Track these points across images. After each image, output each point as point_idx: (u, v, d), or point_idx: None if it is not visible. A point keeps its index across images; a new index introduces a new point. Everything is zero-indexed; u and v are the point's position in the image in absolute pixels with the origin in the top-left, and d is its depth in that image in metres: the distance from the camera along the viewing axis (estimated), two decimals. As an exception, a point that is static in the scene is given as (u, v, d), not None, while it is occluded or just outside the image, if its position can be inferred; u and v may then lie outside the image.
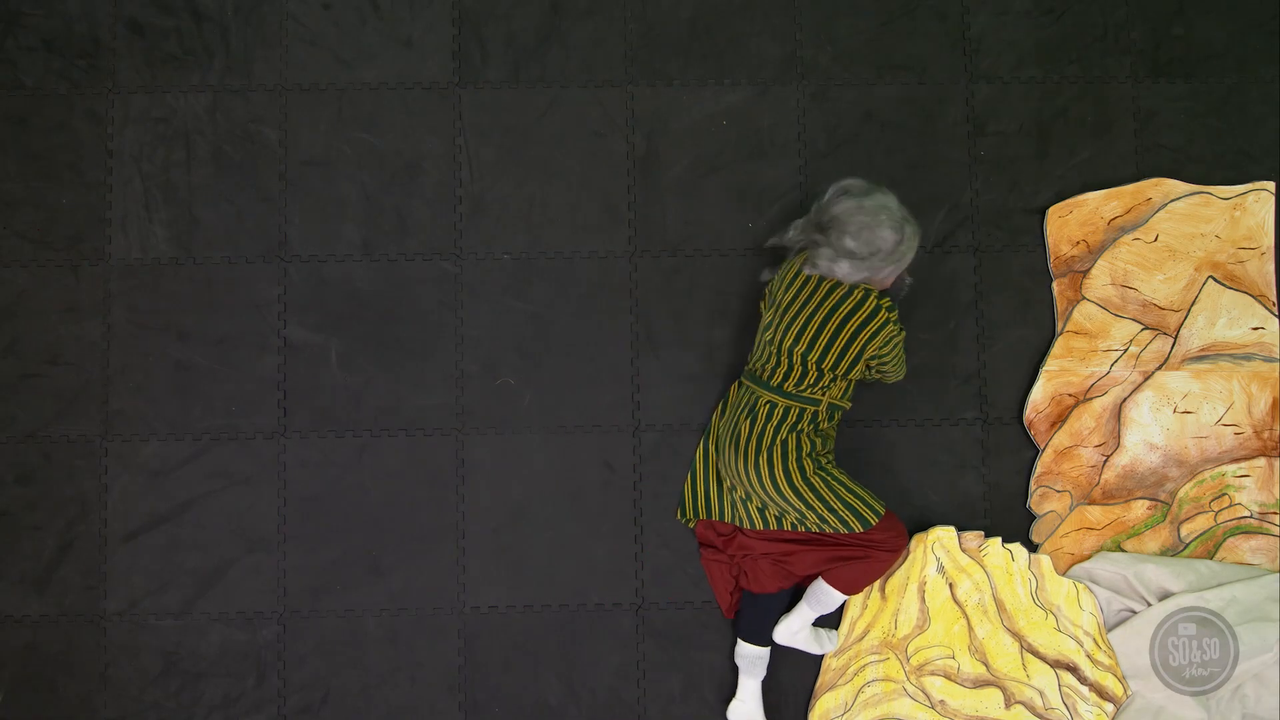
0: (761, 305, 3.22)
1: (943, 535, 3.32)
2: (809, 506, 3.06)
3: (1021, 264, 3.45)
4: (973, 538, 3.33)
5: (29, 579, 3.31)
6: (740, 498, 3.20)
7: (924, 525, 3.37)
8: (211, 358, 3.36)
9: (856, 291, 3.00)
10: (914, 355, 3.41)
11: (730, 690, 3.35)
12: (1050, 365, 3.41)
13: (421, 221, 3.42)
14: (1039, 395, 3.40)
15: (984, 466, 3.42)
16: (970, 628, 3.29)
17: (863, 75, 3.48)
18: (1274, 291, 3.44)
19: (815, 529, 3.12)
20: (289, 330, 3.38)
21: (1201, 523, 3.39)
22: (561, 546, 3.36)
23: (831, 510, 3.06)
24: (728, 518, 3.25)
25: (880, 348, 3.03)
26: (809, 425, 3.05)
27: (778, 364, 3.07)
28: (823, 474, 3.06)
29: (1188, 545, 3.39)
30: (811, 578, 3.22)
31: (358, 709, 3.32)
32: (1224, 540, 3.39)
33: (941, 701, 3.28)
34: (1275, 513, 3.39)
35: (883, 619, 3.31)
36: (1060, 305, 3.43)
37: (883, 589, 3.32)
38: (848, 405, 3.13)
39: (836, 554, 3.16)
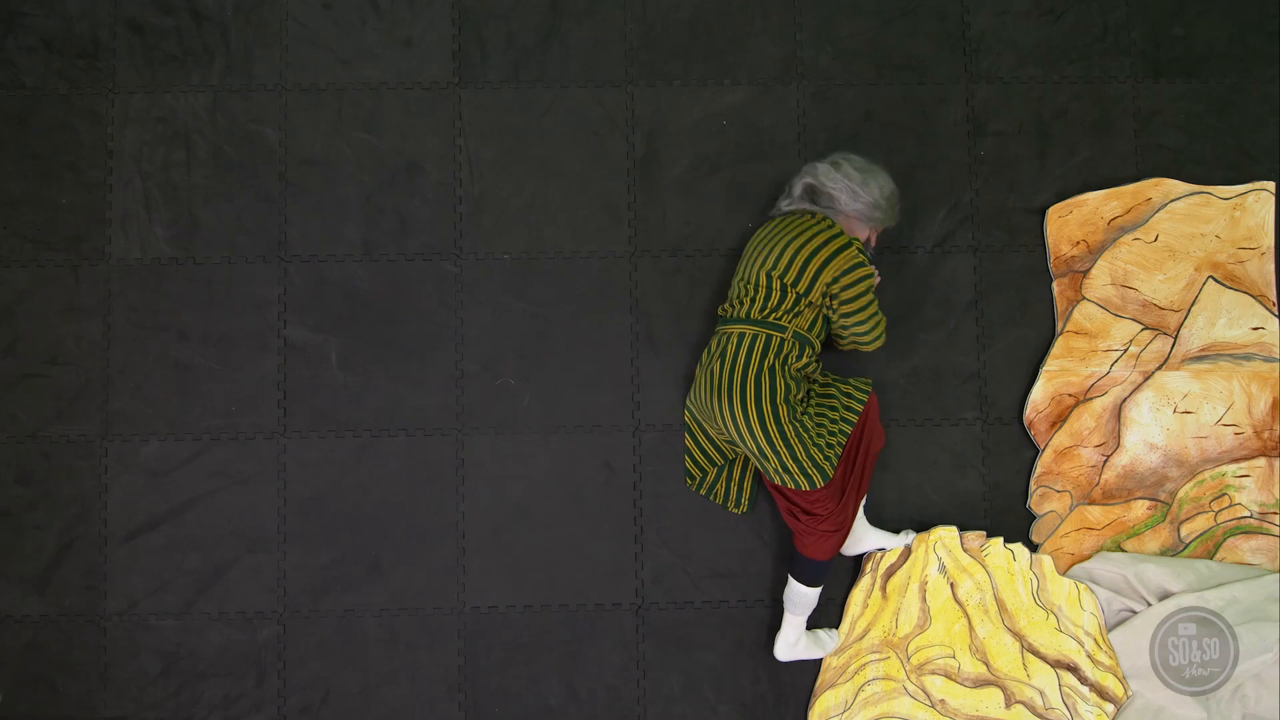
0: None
1: (945, 535, 3.32)
2: (774, 451, 3.02)
3: (1021, 264, 3.46)
4: (974, 538, 3.33)
5: (29, 579, 3.31)
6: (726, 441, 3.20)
7: (924, 525, 3.37)
8: (211, 358, 3.36)
9: (826, 220, 3.12)
10: (914, 355, 3.41)
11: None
12: (1050, 365, 3.41)
13: (421, 221, 3.42)
14: (1039, 395, 3.41)
15: (984, 466, 3.42)
16: (971, 627, 3.29)
17: (863, 75, 3.48)
18: (1274, 291, 3.44)
19: (773, 478, 3.08)
20: (289, 330, 3.38)
21: (1201, 523, 3.39)
22: (561, 546, 3.36)
23: (795, 460, 3.02)
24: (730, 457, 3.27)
25: (840, 274, 3.04)
26: (779, 360, 3.03)
27: (744, 294, 3.12)
28: (796, 423, 3.01)
29: (1188, 545, 3.39)
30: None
31: (358, 709, 3.32)
32: (1224, 540, 3.39)
33: (942, 701, 3.28)
34: (1275, 513, 3.39)
35: (883, 618, 3.31)
36: (1060, 305, 3.43)
37: (883, 588, 3.32)
38: (816, 344, 3.10)
39: (785, 508, 3.15)
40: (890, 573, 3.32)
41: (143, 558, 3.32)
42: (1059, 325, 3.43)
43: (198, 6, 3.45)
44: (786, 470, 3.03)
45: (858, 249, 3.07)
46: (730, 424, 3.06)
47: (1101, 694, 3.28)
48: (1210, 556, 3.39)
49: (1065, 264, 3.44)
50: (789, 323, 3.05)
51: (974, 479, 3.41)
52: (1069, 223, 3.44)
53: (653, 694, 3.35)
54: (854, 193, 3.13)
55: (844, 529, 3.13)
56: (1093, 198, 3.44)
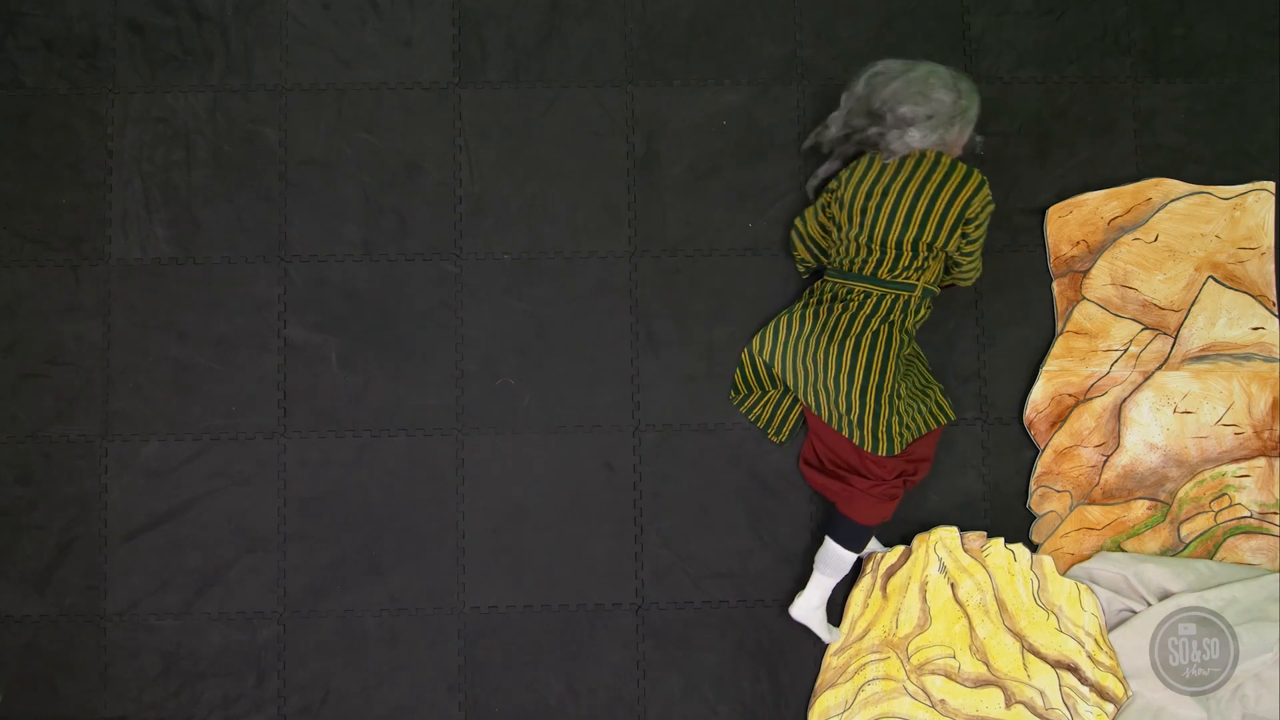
0: (822, 217, 3.24)
1: (945, 535, 3.32)
2: (862, 405, 3.05)
3: (1021, 264, 3.46)
4: (975, 538, 3.33)
5: (29, 579, 3.31)
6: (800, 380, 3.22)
7: (925, 525, 3.37)
8: (211, 358, 3.36)
9: (942, 160, 3.04)
10: (914, 355, 3.42)
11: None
12: (1050, 365, 3.41)
13: (421, 221, 3.42)
14: (1039, 395, 3.41)
15: (984, 466, 3.42)
16: (971, 627, 3.29)
17: (863, 75, 3.47)
18: (1274, 291, 3.44)
19: (845, 430, 3.10)
20: (289, 330, 3.38)
21: (1201, 523, 3.39)
22: (561, 546, 3.36)
23: (874, 421, 3.06)
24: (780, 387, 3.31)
25: (977, 214, 3.04)
26: (900, 315, 3.07)
27: (869, 255, 3.08)
28: (894, 388, 3.05)
29: (1188, 545, 3.39)
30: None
31: (358, 709, 3.32)
32: (1224, 540, 3.39)
33: (942, 701, 3.28)
34: (1275, 513, 3.39)
35: (884, 618, 3.31)
36: (1060, 305, 3.43)
37: (884, 588, 3.32)
38: (937, 290, 3.14)
39: (838, 463, 3.17)
40: (891, 573, 3.32)
41: (143, 558, 3.32)
42: (1059, 325, 3.43)
43: (198, 6, 3.45)
44: (861, 427, 3.06)
45: (975, 170, 3.06)
46: (827, 366, 3.07)
47: (1102, 694, 3.28)
48: (1210, 556, 3.39)
49: (1065, 264, 3.44)
50: (918, 280, 3.08)
51: (974, 479, 3.41)
52: (1069, 223, 3.44)
53: (653, 694, 3.35)
54: (953, 112, 3.05)
55: (896, 499, 3.16)
56: (1093, 198, 3.44)
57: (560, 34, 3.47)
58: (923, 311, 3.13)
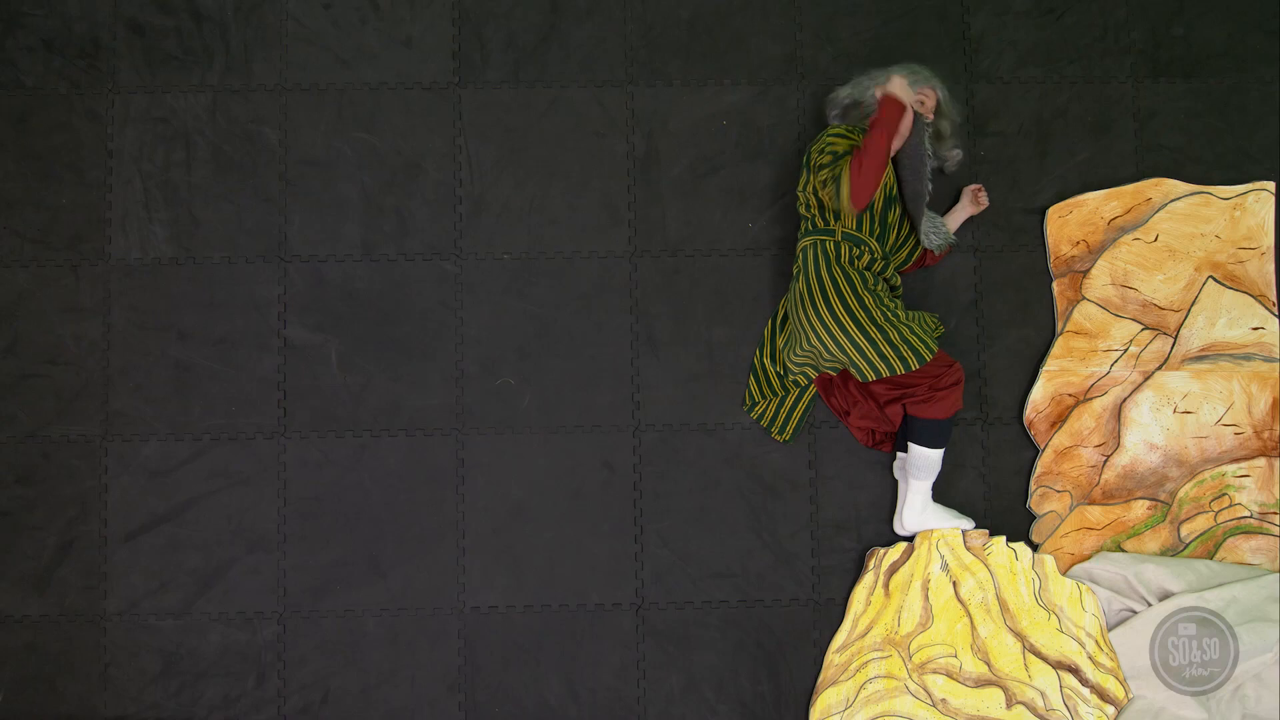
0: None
1: (948, 533, 3.32)
2: (869, 340, 3.08)
3: (1021, 264, 3.46)
4: (977, 536, 3.33)
5: (29, 579, 3.31)
6: (799, 367, 3.28)
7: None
8: (211, 358, 3.36)
9: (829, 127, 3.26)
10: (914, 355, 3.41)
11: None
12: (1050, 365, 3.41)
13: (421, 221, 3.42)
14: (1039, 395, 3.41)
15: (984, 466, 3.42)
16: (973, 627, 3.29)
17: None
18: (1274, 291, 3.44)
19: (877, 370, 3.11)
20: (289, 330, 3.38)
21: (1201, 523, 3.39)
22: (561, 546, 3.36)
23: (890, 344, 3.08)
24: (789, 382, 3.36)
25: (818, 155, 3.18)
26: (843, 261, 3.14)
27: (800, 220, 3.29)
28: (884, 309, 3.10)
29: (1188, 545, 3.39)
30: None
31: (358, 709, 3.32)
32: (1224, 540, 3.39)
33: (943, 700, 3.28)
34: (1275, 513, 3.39)
35: (886, 616, 3.31)
36: (1060, 305, 3.44)
37: (886, 586, 3.32)
38: (874, 244, 3.16)
39: (900, 394, 3.20)
40: (893, 570, 3.32)
41: (143, 558, 3.32)
42: (1059, 325, 3.43)
43: (198, 6, 3.45)
44: (884, 358, 3.08)
45: (836, 131, 3.19)
46: (819, 330, 3.12)
47: (1102, 696, 3.28)
48: (1210, 556, 3.39)
49: (1065, 264, 3.44)
50: (834, 224, 3.17)
51: (974, 479, 3.41)
52: (1069, 223, 3.44)
53: (653, 694, 3.35)
54: (862, 84, 3.24)
55: (962, 381, 3.20)
56: (1093, 198, 3.45)
57: (560, 34, 3.47)
58: (866, 258, 3.15)
